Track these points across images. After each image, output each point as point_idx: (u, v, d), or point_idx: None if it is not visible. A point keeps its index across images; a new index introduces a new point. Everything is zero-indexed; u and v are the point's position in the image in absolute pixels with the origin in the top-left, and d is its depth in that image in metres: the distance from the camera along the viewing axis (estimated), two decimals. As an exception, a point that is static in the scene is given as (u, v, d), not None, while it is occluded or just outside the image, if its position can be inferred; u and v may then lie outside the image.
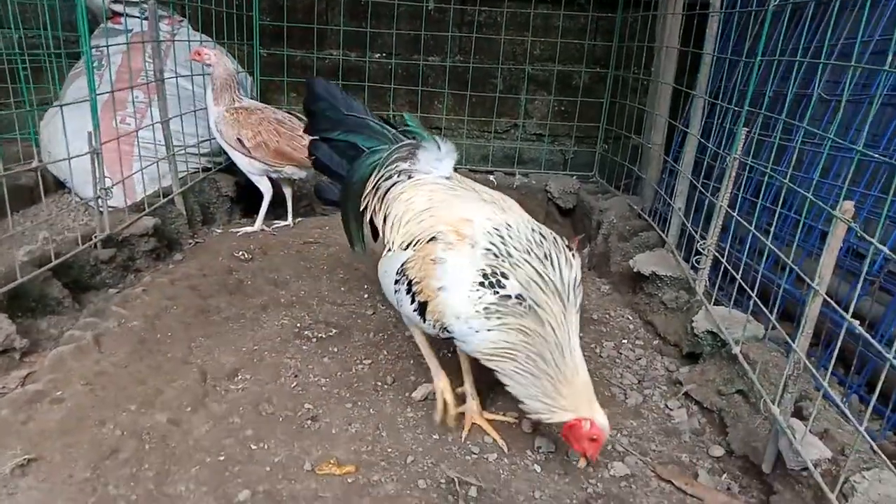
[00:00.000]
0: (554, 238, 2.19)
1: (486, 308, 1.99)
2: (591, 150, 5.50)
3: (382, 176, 2.53)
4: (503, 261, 2.03)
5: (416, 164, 2.51)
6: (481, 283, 2.00)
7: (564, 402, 1.98)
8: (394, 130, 2.62)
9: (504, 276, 2.00)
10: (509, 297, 1.98)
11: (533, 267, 2.02)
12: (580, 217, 4.97)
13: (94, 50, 3.99)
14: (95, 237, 3.19)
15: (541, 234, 2.16)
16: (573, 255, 2.16)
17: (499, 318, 1.98)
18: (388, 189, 2.52)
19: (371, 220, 2.62)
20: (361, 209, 2.60)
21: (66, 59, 4.47)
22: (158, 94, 3.83)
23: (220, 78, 4.15)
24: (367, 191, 2.56)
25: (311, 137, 2.74)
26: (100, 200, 3.21)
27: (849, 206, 1.91)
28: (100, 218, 3.24)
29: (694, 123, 3.44)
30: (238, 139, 4.14)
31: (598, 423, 1.96)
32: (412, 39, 5.40)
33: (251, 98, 5.03)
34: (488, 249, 2.06)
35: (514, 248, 2.06)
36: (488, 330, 2.01)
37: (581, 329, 3.26)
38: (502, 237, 2.09)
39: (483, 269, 2.02)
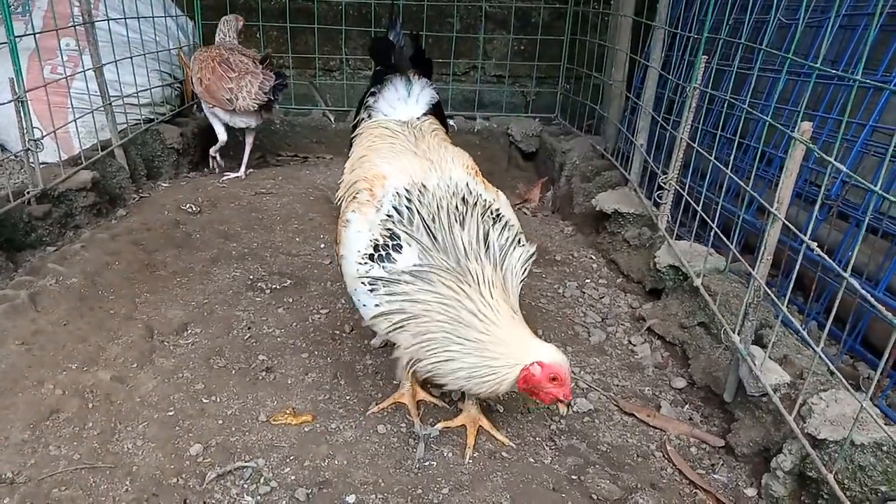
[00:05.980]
0: (479, 202, 1.91)
1: (371, 282, 1.80)
2: (553, 91, 5.36)
3: (360, 109, 2.43)
4: (404, 228, 1.82)
5: (377, 101, 2.37)
6: (370, 256, 1.81)
7: (500, 361, 1.72)
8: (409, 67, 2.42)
9: (398, 247, 1.79)
10: (399, 271, 1.77)
11: (433, 234, 1.80)
12: (543, 160, 4.88)
13: (13, -9, 3.67)
14: (28, 193, 2.99)
15: (464, 198, 1.89)
16: (502, 218, 1.93)
17: (387, 292, 1.78)
18: (356, 124, 2.42)
19: None
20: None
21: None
22: (89, 40, 3.55)
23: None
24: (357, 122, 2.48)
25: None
26: (29, 153, 2.99)
27: (806, 126, 1.86)
28: (31, 172, 3.03)
29: (654, 56, 3.34)
30: (197, 76, 4.10)
31: (546, 361, 1.69)
32: (363, -23, 5.12)
33: (197, 43, 4.83)
34: (389, 216, 1.85)
35: (421, 213, 1.83)
36: (375, 305, 1.80)
37: (544, 271, 3.27)
38: (410, 200, 1.86)
39: (376, 240, 1.82)
